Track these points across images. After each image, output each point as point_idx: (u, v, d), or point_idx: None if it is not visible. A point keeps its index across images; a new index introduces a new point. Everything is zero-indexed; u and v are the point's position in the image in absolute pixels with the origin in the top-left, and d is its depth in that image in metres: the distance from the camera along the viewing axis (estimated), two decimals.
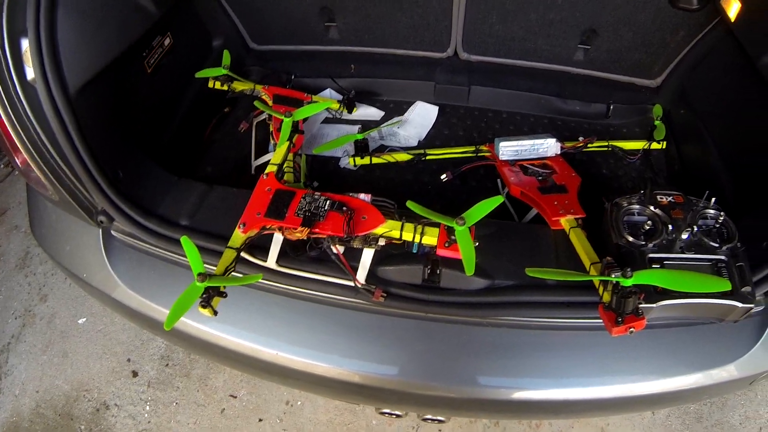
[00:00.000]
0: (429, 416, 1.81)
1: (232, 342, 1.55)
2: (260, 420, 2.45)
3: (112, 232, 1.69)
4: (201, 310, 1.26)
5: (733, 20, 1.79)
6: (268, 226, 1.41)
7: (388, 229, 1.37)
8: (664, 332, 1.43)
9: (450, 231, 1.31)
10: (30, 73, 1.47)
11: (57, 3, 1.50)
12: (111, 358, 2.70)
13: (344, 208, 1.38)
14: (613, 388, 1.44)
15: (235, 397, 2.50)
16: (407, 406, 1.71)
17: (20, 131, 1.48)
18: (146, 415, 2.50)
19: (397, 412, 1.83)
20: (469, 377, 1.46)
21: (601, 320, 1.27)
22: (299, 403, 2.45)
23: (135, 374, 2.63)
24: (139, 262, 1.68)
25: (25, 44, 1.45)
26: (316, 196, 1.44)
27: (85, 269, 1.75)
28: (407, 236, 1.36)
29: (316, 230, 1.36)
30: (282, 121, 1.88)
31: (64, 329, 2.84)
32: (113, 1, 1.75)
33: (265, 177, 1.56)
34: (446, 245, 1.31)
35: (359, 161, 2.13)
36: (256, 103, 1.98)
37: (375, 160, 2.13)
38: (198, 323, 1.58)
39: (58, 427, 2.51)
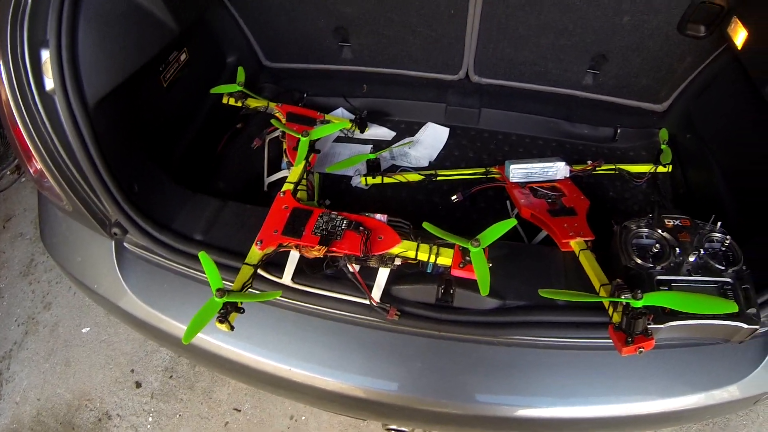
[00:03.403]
0: None
1: (245, 357, 1.56)
2: None
3: (125, 245, 1.70)
4: (218, 325, 1.27)
5: (739, 48, 1.82)
6: (285, 244, 1.43)
7: (404, 249, 1.39)
8: (670, 352, 1.44)
9: (464, 252, 1.34)
10: (48, 84, 1.48)
11: (78, 16, 1.51)
12: (114, 368, 2.70)
13: (361, 228, 1.40)
14: (618, 407, 1.45)
15: (239, 411, 2.50)
16: (416, 423, 1.71)
17: (36, 140, 1.49)
18: (149, 426, 2.50)
19: (404, 429, 1.84)
20: (478, 395, 1.47)
21: (609, 340, 1.29)
22: (303, 418, 2.45)
23: (138, 385, 2.63)
24: (151, 275, 1.69)
25: (45, 55, 1.47)
26: (333, 216, 1.46)
27: (97, 280, 1.76)
28: (422, 256, 1.38)
29: (333, 249, 1.38)
30: (297, 139, 1.90)
31: (68, 338, 2.84)
32: (134, 16, 1.77)
33: (282, 195, 1.58)
34: (461, 266, 1.34)
35: (371, 180, 2.15)
36: (273, 122, 2.00)
37: (387, 180, 2.15)
38: (211, 338, 1.58)
39: None
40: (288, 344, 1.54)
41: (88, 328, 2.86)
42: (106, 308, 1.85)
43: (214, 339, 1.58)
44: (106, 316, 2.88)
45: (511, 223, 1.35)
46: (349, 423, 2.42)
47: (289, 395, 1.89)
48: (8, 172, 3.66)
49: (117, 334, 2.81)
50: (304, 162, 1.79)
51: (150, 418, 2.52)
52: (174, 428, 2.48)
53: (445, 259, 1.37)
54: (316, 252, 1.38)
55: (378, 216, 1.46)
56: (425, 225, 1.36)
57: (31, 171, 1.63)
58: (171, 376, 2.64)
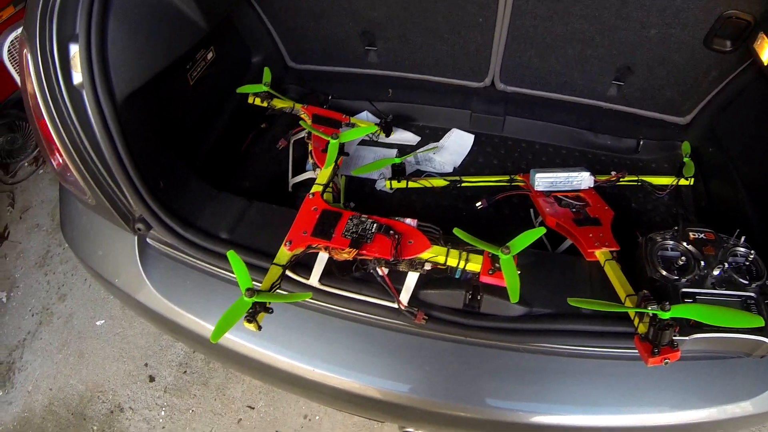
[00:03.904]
0: None
1: (268, 356, 1.57)
2: None
3: (148, 240, 1.71)
4: (246, 324, 1.27)
5: (765, 63, 1.81)
6: (314, 246, 1.44)
7: (434, 254, 1.39)
8: (691, 365, 1.44)
9: (494, 259, 1.34)
10: (76, 78, 1.49)
11: (109, 11, 1.52)
12: (128, 361, 2.71)
13: (391, 232, 1.41)
14: (639, 417, 1.45)
15: (253, 408, 2.51)
16: (435, 426, 1.72)
17: (62, 134, 1.49)
18: (161, 420, 2.51)
19: None
20: (501, 401, 1.47)
21: (631, 350, 1.31)
22: (317, 417, 2.46)
23: (152, 379, 2.64)
24: (174, 272, 1.70)
25: (74, 49, 1.48)
26: (363, 219, 1.47)
27: (118, 275, 1.77)
28: (452, 262, 1.39)
29: (363, 252, 1.39)
30: (324, 141, 1.91)
31: (82, 330, 2.87)
32: (164, 13, 1.78)
33: (311, 197, 1.59)
34: (490, 272, 1.34)
35: (396, 185, 2.16)
36: (302, 123, 2.01)
37: (411, 185, 2.15)
38: (235, 336, 1.59)
39: (70, 426, 2.53)
40: (312, 345, 1.54)
41: (103, 321, 2.88)
42: (126, 303, 1.85)
43: (238, 338, 1.59)
44: (121, 309, 2.89)
45: (540, 231, 1.36)
46: (363, 424, 2.42)
47: (309, 395, 1.89)
48: (26, 164, 3.69)
49: (132, 328, 2.83)
50: (333, 164, 1.80)
51: (162, 412, 2.53)
52: (186, 423, 2.49)
53: (474, 265, 1.38)
54: (347, 254, 1.39)
55: (408, 220, 1.47)
56: (456, 231, 1.36)
57: (54, 164, 1.64)
58: (185, 372, 2.65)
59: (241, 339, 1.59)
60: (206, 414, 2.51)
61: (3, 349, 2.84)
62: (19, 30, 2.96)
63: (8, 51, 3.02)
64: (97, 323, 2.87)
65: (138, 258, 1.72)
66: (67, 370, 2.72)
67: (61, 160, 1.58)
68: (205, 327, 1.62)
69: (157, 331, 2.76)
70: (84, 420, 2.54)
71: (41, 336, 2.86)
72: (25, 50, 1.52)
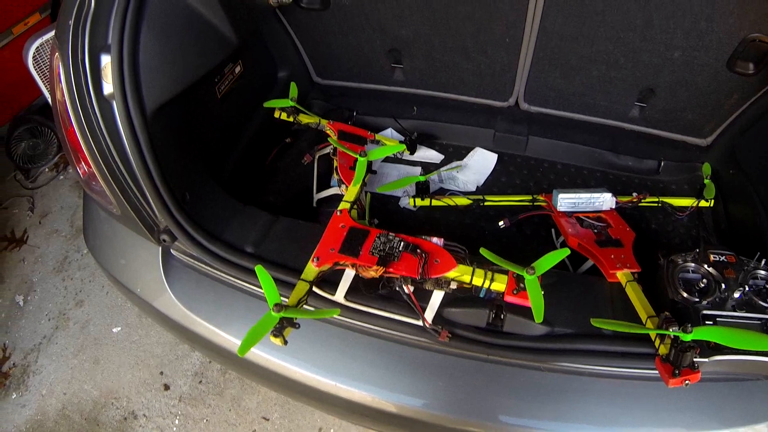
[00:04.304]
0: None
1: (289, 369, 1.58)
2: None
3: (172, 252, 1.73)
4: (273, 339, 1.28)
5: None
6: (341, 262, 1.45)
7: (460, 273, 1.40)
8: (708, 386, 1.43)
9: (518, 279, 1.35)
10: (107, 89, 1.50)
11: (141, 23, 1.54)
12: (143, 369, 2.72)
13: (418, 251, 1.42)
14: None
15: (268, 420, 2.51)
16: None
17: (91, 143, 1.50)
18: (175, 428, 2.51)
19: None
20: (520, 419, 1.47)
21: (652, 371, 1.32)
22: (332, 430, 2.46)
23: (167, 387, 2.65)
24: (197, 284, 1.71)
25: (105, 60, 1.49)
26: (390, 237, 1.47)
27: (140, 285, 1.78)
28: (477, 281, 1.40)
29: (390, 270, 1.40)
30: (351, 158, 1.93)
31: (98, 336, 2.87)
32: (196, 26, 1.80)
33: (338, 214, 1.60)
34: (514, 292, 1.35)
35: (419, 202, 2.17)
36: (330, 140, 2.03)
37: (435, 203, 2.16)
38: (258, 350, 1.59)
39: (83, 431, 2.53)
40: (334, 360, 1.55)
41: (119, 328, 2.89)
42: (147, 312, 1.86)
43: (261, 351, 1.60)
44: (137, 317, 2.91)
45: (565, 252, 1.37)
46: None
47: (327, 408, 1.90)
48: (47, 170, 3.73)
49: (148, 336, 2.84)
50: (361, 182, 1.81)
51: (176, 421, 2.54)
52: None
53: (499, 285, 1.38)
54: (374, 272, 1.40)
55: (434, 239, 1.48)
56: (482, 251, 1.37)
57: (80, 173, 1.65)
58: (200, 381, 2.65)
59: (263, 352, 1.59)
60: (220, 424, 2.51)
61: (19, 351, 2.85)
62: (45, 36, 3.03)
63: (33, 57, 3.05)
64: (114, 330, 2.89)
65: (161, 268, 1.74)
66: (81, 375, 2.73)
67: (87, 169, 1.59)
68: (228, 339, 1.64)
69: (173, 340, 2.77)
70: (97, 426, 2.55)
71: (57, 341, 2.88)
72: (56, 58, 1.54)
